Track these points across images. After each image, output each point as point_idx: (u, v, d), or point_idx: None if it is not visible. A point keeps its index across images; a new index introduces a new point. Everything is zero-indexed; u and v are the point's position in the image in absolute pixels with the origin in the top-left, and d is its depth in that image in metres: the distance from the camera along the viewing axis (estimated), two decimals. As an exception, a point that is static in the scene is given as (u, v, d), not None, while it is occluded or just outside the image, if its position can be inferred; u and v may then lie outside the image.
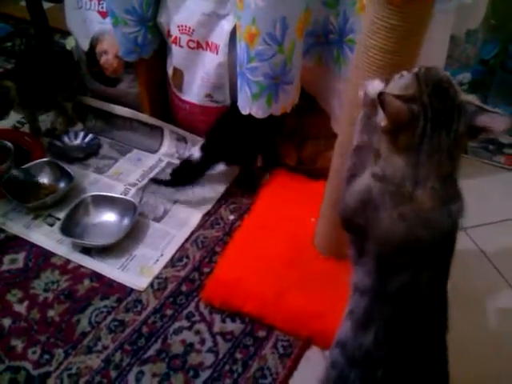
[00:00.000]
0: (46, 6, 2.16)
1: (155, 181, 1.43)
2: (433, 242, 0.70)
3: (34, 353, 1.05)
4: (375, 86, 0.75)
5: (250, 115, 1.26)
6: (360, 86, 0.81)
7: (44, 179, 1.44)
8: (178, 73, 1.47)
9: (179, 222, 1.35)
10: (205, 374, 1.02)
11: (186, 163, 1.38)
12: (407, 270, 0.70)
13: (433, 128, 0.66)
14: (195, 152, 1.37)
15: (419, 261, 0.70)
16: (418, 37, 0.83)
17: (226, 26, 1.33)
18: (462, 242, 1.28)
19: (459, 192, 0.71)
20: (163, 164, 1.55)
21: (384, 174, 0.70)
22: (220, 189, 1.46)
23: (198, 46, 1.39)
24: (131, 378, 1.01)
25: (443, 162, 0.68)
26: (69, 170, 1.41)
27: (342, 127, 1.01)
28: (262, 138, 1.41)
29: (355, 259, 0.77)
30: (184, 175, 1.40)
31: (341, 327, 0.78)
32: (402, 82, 0.70)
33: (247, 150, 1.43)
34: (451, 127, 0.66)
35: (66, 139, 1.61)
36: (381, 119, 0.67)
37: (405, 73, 0.71)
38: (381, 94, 0.65)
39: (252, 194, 1.44)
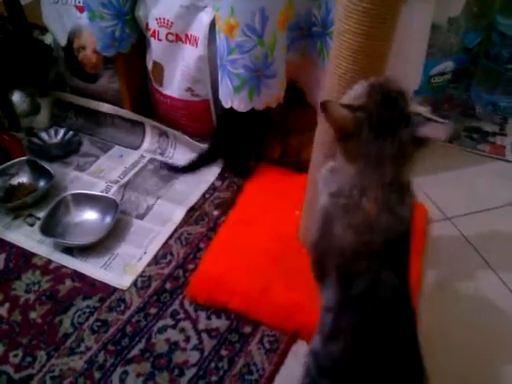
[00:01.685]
0: (24, 1, 2.12)
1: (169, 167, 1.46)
2: (383, 246, 0.71)
3: (16, 356, 1.03)
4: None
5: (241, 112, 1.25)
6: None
7: (24, 178, 1.41)
8: (158, 67, 1.45)
9: (162, 218, 1.33)
10: (190, 373, 1.00)
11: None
12: (365, 276, 0.72)
13: (377, 135, 0.69)
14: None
15: (374, 265, 0.72)
16: (391, 20, 0.82)
17: (204, 18, 1.31)
18: (448, 231, 1.32)
19: (408, 196, 0.74)
20: (145, 160, 1.52)
21: (338, 187, 0.73)
22: (204, 184, 1.44)
23: (177, 38, 1.37)
24: (115, 378, 1.00)
25: (387, 169, 0.70)
26: (49, 169, 1.39)
27: (320, 117, 0.99)
28: (255, 132, 1.41)
29: (321, 285, 0.79)
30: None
31: (313, 339, 0.79)
32: (356, 92, 0.74)
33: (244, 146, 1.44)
34: (395, 135, 0.69)
35: (45, 137, 1.58)
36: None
37: (361, 82, 0.74)
38: (323, 103, 0.69)
39: (241, 182, 1.44)
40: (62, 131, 1.60)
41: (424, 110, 0.71)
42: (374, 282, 0.71)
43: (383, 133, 0.69)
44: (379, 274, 0.72)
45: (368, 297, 0.72)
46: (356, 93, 0.74)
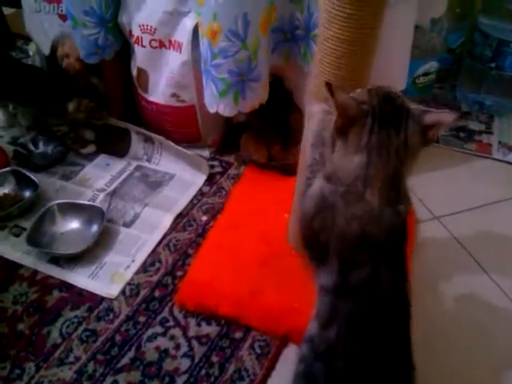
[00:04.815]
0: (7, 11, 2.12)
1: None
2: (384, 238, 0.72)
3: (4, 368, 1.01)
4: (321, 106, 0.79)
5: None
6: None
7: (9, 189, 1.39)
8: (143, 73, 1.45)
9: (150, 225, 1.32)
10: (181, 380, 0.99)
11: None
12: (365, 266, 0.72)
13: (380, 126, 0.70)
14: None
15: (375, 256, 0.73)
16: (375, 25, 0.82)
17: (188, 23, 1.30)
18: (436, 230, 1.32)
19: (407, 193, 0.75)
20: (132, 168, 1.51)
21: (336, 176, 0.73)
22: (192, 190, 1.44)
23: (161, 45, 1.36)
24: (105, 388, 0.99)
25: (391, 160, 0.70)
26: (34, 178, 1.37)
27: (307, 120, 0.99)
28: None
29: (317, 266, 0.80)
30: None
31: (309, 326, 0.79)
32: (355, 93, 0.74)
33: None
34: (400, 127, 0.70)
35: (30, 146, 1.56)
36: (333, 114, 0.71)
37: (359, 90, 0.75)
38: (329, 85, 0.68)
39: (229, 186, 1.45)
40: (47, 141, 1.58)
41: (420, 106, 0.73)
42: (373, 273, 0.72)
43: (387, 124, 0.70)
44: (379, 266, 0.72)
45: (367, 288, 0.73)
46: (356, 93, 0.75)
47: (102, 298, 1.15)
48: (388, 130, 0.70)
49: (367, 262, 0.72)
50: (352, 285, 0.73)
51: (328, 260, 0.76)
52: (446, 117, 0.70)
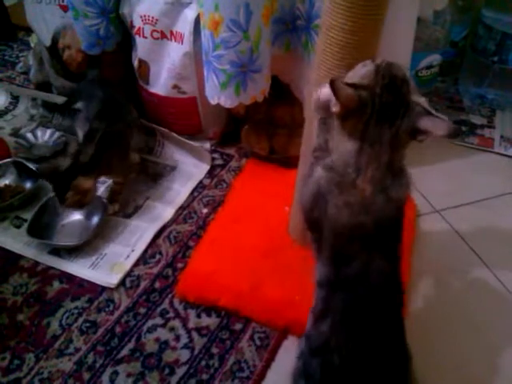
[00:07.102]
0: (8, 2, 2.11)
1: None
2: (376, 227, 0.72)
3: (4, 359, 1.02)
4: (327, 90, 0.75)
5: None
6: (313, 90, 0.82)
7: (10, 180, 1.39)
8: (144, 65, 1.44)
9: (151, 217, 1.32)
10: (181, 371, 0.99)
11: None
12: (357, 257, 0.73)
13: (378, 119, 0.69)
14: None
15: (367, 246, 0.72)
16: (379, 15, 0.81)
17: (189, 14, 1.30)
18: (437, 223, 1.32)
19: (402, 181, 0.74)
20: (132, 160, 1.51)
21: (333, 163, 0.73)
22: (193, 182, 1.43)
23: (163, 35, 1.36)
24: (105, 379, 0.98)
25: (384, 151, 0.70)
26: (35, 170, 1.37)
27: (308, 112, 0.99)
28: None
29: (316, 255, 0.80)
30: None
31: (307, 321, 0.80)
32: (362, 71, 0.72)
33: None
34: (395, 122, 0.69)
35: (31, 138, 1.56)
36: (333, 104, 0.70)
37: (368, 62, 0.73)
38: (332, 82, 0.67)
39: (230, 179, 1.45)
40: (48, 132, 1.58)
41: (423, 101, 0.71)
42: (366, 265, 0.72)
43: (384, 117, 0.69)
44: (372, 257, 0.72)
45: (359, 280, 0.73)
46: (362, 72, 0.72)
47: (103, 290, 1.15)
48: (383, 123, 0.69)
49: (359, 253, 0.72)
50: (345, 277, 0.73)
51: (322, 252, 0.76)
52: (439, 129, 0.67)
